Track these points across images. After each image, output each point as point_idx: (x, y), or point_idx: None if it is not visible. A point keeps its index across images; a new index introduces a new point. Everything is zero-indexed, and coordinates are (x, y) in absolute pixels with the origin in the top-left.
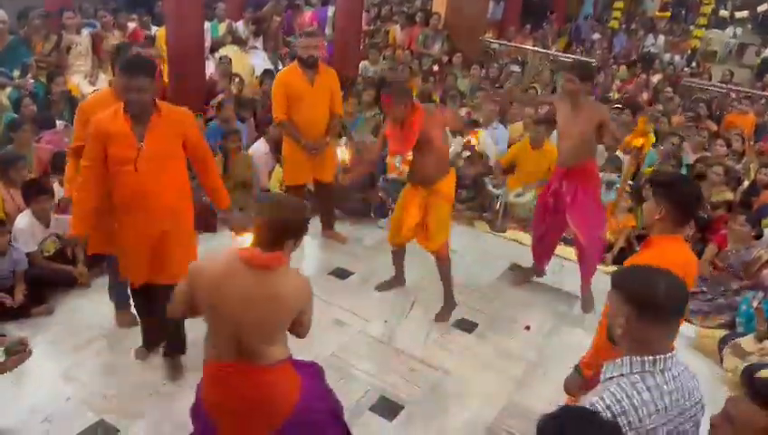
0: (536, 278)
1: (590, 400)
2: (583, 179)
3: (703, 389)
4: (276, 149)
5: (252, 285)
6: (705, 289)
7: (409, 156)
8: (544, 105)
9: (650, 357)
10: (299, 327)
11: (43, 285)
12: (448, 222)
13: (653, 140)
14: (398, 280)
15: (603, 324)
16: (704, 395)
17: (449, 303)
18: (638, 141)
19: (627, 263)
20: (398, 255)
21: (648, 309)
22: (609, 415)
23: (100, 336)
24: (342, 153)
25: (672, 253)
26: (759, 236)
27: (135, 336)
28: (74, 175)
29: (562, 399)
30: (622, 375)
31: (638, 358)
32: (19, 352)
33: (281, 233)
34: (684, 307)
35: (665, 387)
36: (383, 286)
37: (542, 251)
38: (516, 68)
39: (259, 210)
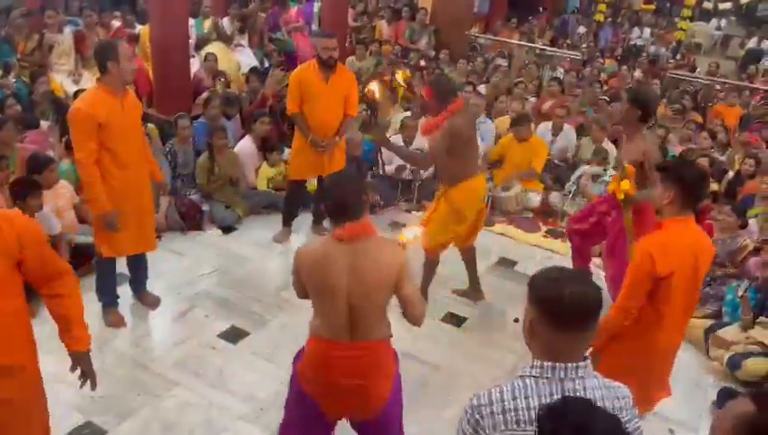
0: (523, 270)
1: (476, 393)
2: (635, 221)
3: (689, 377)
4: (262, 146)
5: (352, 259)
6: None
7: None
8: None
9: (549, 364)
10: (408, 306)
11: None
12: (445, 228)
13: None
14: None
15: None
16: (689, 385)
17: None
18: (625, 185)
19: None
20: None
21: (549, 314)
22: (473, 405)
23: None
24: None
25: (679, 233)
26: (744, 226)
27: (123, 337)
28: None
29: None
30: (522, 377)
31: (539, 362)
32: None
33: (357, 204)
34: (591, 320)
35: (554, 397)
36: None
37: (580, 249)
38: (503, 62)
39: (326, 196)
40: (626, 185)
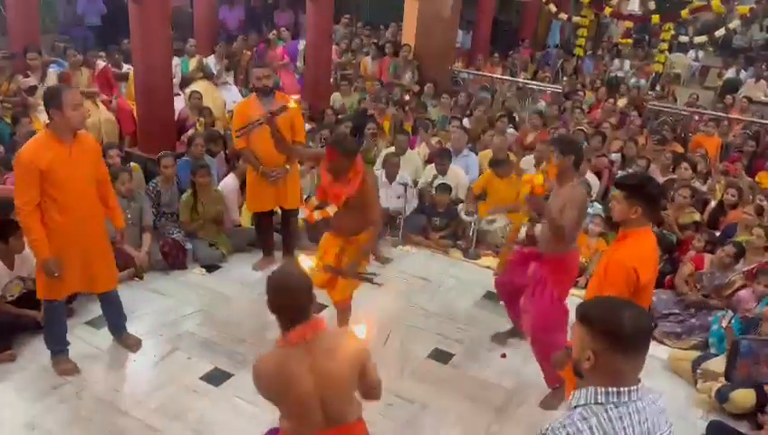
0: None
1: (553, 425)
2: (555, 272)
3: (677, 411)
4: (244, 183)
5: (311, 361)
6: (677, 310)
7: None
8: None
9: (614, 389)
10: (370, 390)
11: (7, 331)
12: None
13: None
14: None
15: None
16: (677, 418)
17: None
18: (524, 177)
19: (613, 251)
20: None
21: (617, 343)
22: None
23: (65, 382)
24: None
25: (647, 243)
26: (739, 257)
27: (102, 381)
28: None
29: (542, 426)
30: (586, 405)
31: (603, 389)
32: None
33: (306, 305)
34: (650, 335)
35: (627, 420)
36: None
37: (509, 301)
38: (486, 94)
39: (271, 299)
40: (539, 180)
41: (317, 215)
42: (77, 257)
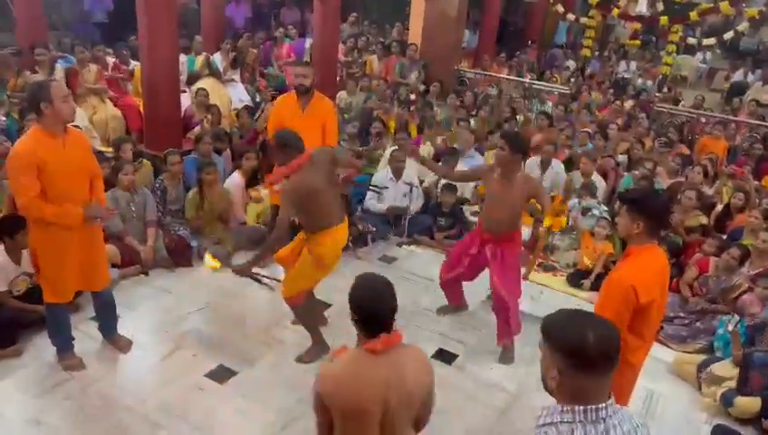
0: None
1: None
2: (508, 251)
3: (681, 414)
4: (249, 182)
5: (390, 372)
6: (682, 314)
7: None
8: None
9: (581, 407)
10: (421, 425)
11: (13, 326)
12: (307, 277)
13: (564, 222)
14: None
15: None
16: (681, 422)
17: (315, 346)
18: (548, 221)
19: (612, 272)
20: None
21: (580, 363)
22: None
23: (70, 378)
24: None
25: (651, 261)
26: (744, 261)
27: (107, 378)
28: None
29: None
30: (552, 424)
31: (569, 407)
32: None
33: (393, 314)
34: (616, 356)
35: None
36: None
37: (454, 289)
38: (493, 90)
39: (359, 304)
40: (563, 221)
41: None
42: (74, 255)
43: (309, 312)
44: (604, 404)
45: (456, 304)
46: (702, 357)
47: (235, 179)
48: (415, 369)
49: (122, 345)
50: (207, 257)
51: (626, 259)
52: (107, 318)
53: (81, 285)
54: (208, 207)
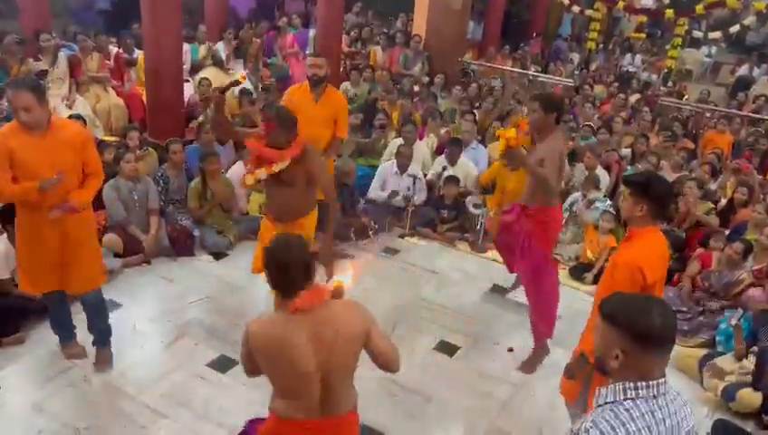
0: (516, 297)
1: (584, 425)
2: (538, 230)
3: None
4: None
5: (315, 330)
6: (684, 308)
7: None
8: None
9: (643, 382)
10: (381, 356)
11: (15, 314)
12: None
13: (512, 133)
14: None
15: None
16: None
17: None
18: (497, 132)
19: (620, 252)
20: None
21: (649, 342)
22: None
23: (72, 366)
24: None
25: (655, 243)
26: (747, 254)
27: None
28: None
29: (547, 421)
30: (615, 402)
31: (632, 383)
32: None
33: (308, 270)
34: (675, 333)
35: (658, 414)
36: None
37: (510, 257)
38: (497, 83)
39: (270, 265)
40: (511, 133)
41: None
42: (49, 253)
43: None
44: (664, 379)
45: (510, 267)
46: (704, 351)
47: (238, 169)
48: (345, 321)
49: (101, 360)
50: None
51: (629, 242)
52: (92, 323)
53: (55, 284)
54: (211, 197)
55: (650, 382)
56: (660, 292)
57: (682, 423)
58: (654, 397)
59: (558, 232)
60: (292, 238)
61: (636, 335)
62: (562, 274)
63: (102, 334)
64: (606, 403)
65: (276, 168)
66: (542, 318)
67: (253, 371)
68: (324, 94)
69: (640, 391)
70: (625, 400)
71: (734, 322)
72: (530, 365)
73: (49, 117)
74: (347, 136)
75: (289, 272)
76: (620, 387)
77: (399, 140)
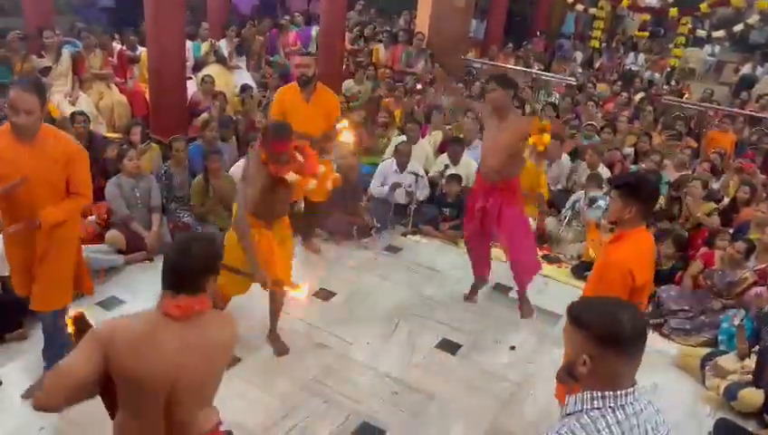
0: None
1: (548, 433)
2: (508, 197)
3: (685, 408)
4: None
5: (184, 341)
6: (686, 307)
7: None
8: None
9: (611, 392)
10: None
11: (18, 310)
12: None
13: (547, 139)
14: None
15: None
16: (685, 415)
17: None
18: (531, 140)
19: (608, 253)
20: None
21: (617, 347)
22: None
23: None
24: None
25: (644, 244)
26: (750, 253)
27: None
28: None
29: (548, 420)
30: (582, 411)
31: (599, 393)
32: None
33: (204, 274)
34: (646, 337)
35: (626, 424)
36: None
37: (480, 262)
38: None
39: (168, 258)
40: (547, 139)
41: (291, 176)
42: (18, 260)
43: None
44: (632, 389)
45: (480, 274)
46: (706, 350)
47: (240, 167)
48: (214, 338)
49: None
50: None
51: (619, 243)
52: (45, 344)
53: (25, 290)
54: (214, 195)
55: (618, 392)
56: (647, 294)
57: (651, 432)
58: (622, 407)
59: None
60: (203, 237)
61: (603, 339)
62: (565, 272)
63: (52, 358)
64: (573, 413)
65: (311, 184)
66: (527, 271)
67: (90, 378)
68: (315, 94)
69: (608, 401)
70: (592, 410)
71: (736, 322)
72: (529, 308)
73: (40, 125)
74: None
75: (183, 271)
76: (588, 396)
77: (402, 138)
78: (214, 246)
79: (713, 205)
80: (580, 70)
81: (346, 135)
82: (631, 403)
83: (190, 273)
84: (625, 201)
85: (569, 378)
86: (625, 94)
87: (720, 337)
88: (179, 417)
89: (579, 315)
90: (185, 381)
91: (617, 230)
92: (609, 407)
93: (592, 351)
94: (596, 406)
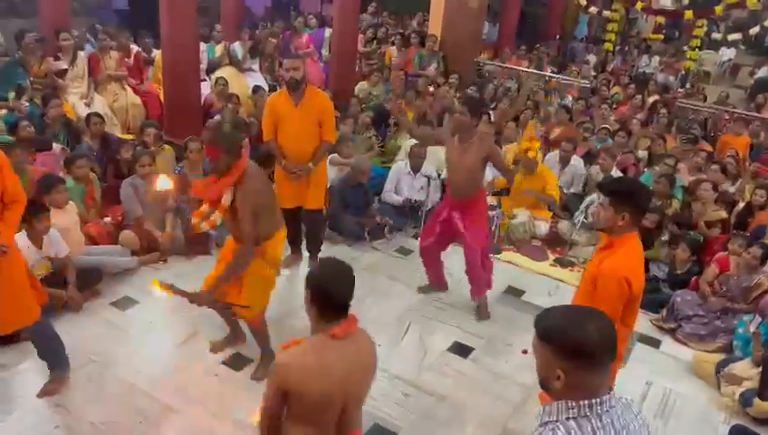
0: (530, 300)
1: None
2: (474, 211)
3: (699, 414)
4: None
5: (348, 356)
6: (701, 312)
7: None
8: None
9: (585, 401)
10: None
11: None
12: (266, 289)
13: (537, 145)
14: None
15: None
16: (699, 421)
17: (266, 361)
18: (525, 144)
19: (601, 261)
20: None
21: (585, 358)
22: None
23: (90, 362)
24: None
25: (636, 251)
26: (764, 261)
27: (124, 362)
28: None
29: None
30: (557, 421)
31: (574, 402)
32: None
33: (351, 298)
34: (616, 346)
35: (601, 432)
36: None
37: (435, 271)
38: (512, 83)
39: (323, 290)
40: (537, 146)
41: (203, 225)
42: None
43: (266, 332)
44: (607, 396)
45: (435, 282)
46: (721, 356)
47: None
48: (368, 353)
49: (48, 387)
50: (155, 284)
51: (611, 250)
52: (41, 355)
53: None
54: None
55: (593, 401)
56: (639, 300)
57: None
58: (598, 415)
59: (487, 209)
60: (346, 268)
61: (572, 353)
62: (576, 276)
63: (50, 366)
64: (548, 422)
65: (225, 201)
66: (479, 286)
67: (279, 410)
68: (305, 97)
69: (584, 410)
70: (567, 419)
71: (752, 328)
72: (485, 311)
73: None
74: (335, 139)
75: (343, 301)
76: (563, 406)
77: (413, 140)
78: (352, 272)
79: (722, 214)
80: (593, 73)
81: (162, 181)
82: (607, 411)
83: (348, 301)
84: (617, 208)
85: (545, 391)
86: (639, 97)
87: (735, 342)
88: (347, 419)
89: (545, 330)
90: (354, 390)
91: (607, 238)
92: (585, 416)
93: (562, 364)
94: (572, 416)
